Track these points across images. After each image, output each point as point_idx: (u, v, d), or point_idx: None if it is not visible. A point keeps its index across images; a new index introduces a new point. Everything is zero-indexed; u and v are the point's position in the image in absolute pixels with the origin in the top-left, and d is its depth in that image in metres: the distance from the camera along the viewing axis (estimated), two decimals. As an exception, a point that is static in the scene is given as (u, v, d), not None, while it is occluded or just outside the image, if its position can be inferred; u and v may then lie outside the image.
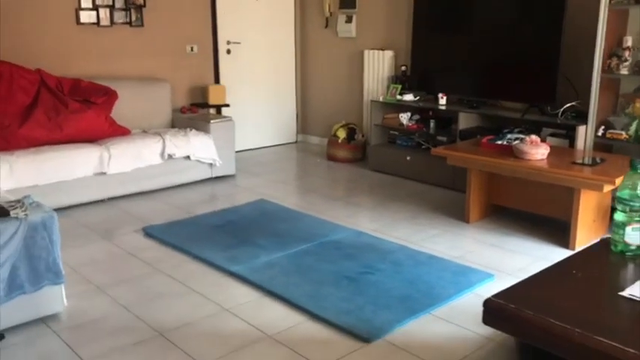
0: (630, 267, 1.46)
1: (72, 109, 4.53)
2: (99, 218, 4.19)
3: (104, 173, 4.44)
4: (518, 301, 1.17)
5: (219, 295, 3.00)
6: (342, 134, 5.86)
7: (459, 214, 4.19)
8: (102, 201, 4.52)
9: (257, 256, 3.43)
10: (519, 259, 3.46)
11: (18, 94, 4.38)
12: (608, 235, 1.59)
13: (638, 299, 1.22)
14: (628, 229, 1.50)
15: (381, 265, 3.31)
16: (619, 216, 1.51)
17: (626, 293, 1.25)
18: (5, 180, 3.93)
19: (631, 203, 1.49)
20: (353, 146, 5.85)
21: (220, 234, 3.82)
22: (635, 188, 1.48)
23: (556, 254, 3.49)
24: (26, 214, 2.58)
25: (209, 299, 2.95)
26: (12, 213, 2.55)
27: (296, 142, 6.88)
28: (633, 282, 1.29)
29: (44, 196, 4.05)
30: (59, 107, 4.50)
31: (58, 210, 4.17)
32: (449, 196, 4.67)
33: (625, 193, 1.48)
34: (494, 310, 1.16)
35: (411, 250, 3.54)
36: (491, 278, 3.16)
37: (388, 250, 3.53)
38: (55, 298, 2.73)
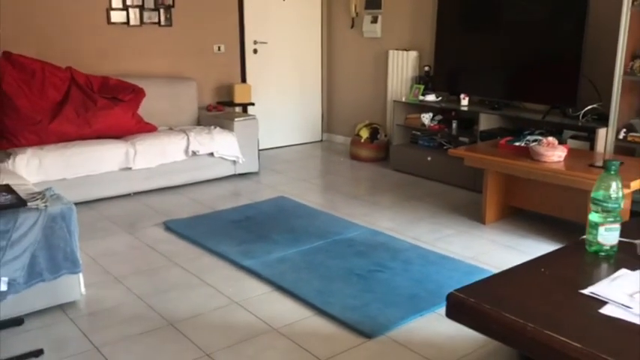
0: (601, 267, 1.47)
1: (100, 105, 4.69)
2: (123, 212, 4.33)
3: (130, 168, 4.58)
4: (479, 295, 1.20)
5: (231, 288, 3.08)
6: (365, 134, 5.90)
7: (476, 215, 4.19)
8: (127, 195, 4.67)
9: (270, 252, 3.51)
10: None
11: (49, 90, 4.56)
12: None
13: (598, 297, 1.23)
14: (601, 229, 1.51)
15: (392, 263, 3.35)
16: (593, 216, 1.52)
17: (587, 291, 1.27)
18: (35, 173, 4.10)
19: (604, 204, 1.50)
20: (376, 146, 5.88)
21: (237, 229, 3.91)
22: (608, 189, 1.49)
23: (570, 257, 3.46)
24: (46, 206, 2.71)
25: (220, 292, 3.04)
26: (33, 204, 2.68)
27: (321, 140, 6.94)
28: (599, 281, 1.30)
29: (71, 189, 4.24)
30: (88, 104, 4.66)
31: (84, 203, 4.38)
32: (468, 197, 4.67)
33: (599, 194, 1.49)
34: (456, 304, 1.20)
35: (423, 250, 3.57)
36: (502, 279, 3.15)
37: (400, 249, 3.56)
38: (73, 287, 2.86)
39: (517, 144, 3.98)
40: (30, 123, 4.40)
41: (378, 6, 6.05)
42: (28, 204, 2.65)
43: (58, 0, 4.91)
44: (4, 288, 2.61)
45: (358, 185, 5.17)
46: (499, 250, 3.61)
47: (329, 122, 6.92)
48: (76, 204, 4.26)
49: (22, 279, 2.66)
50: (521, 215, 4.18)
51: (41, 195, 2.79)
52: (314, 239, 3.71)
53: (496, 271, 3.23)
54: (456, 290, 1.23)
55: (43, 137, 4.42)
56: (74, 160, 4.31)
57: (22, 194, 2.81)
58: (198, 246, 3.66)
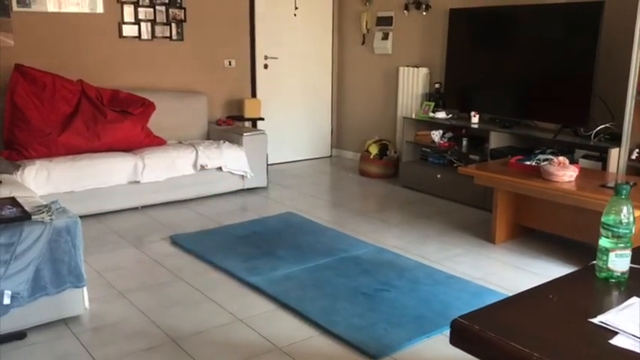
0: (611, 294, 1.43)
1: (110, 118, 4.71)
2: (130, 225, 4.32)
3: (138, 182, 4.58)
4: (484, 322, 1.16)
5: (235, 305, 3.05)
6: (374, 150, 5.88)
7: (485, 234, 4.14)
8: (135, 209, 4.66)
9: (276, 268, 3.48)
10: (543, 282, 3.37)
11: (60, 103, 4.58)
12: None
13: (608, 326, 1.19)
14: (612, 255, 1.47)
15: (398, 282, 3.30)
16: (603, 242, 1.48)
17: (596, 320, 1.22)
18: (43, 185, 4.11)
19: (615, 229, 1.45)
20: (385, 162, 5.86)
21: (244, 244, 3.88)
22: (619, 213, 1.45)
23: (581, 279, 3.40)
24: (51, 219, 2.70)
25: (224, 309, 3.01)
26: (38, 217, 2.67)
27: (330, 156, 6.93)
28: (609, 309, 1.26)
29: (79, 202, 4.25)
30: (98, 117, 4.68)
31: (91, 216, 4.38)
32: (478, 216, 4.62)
33: (609, 219, 1.45)
34: (460, 331, 1.16)
35: (430, 269, 3.52)
36: (510, 301, 3.10)
37: (408, 268, 3.52)
38: (77, 301, 2.84)
39: (528, 163, 3.94)
40: (40, 135, 4.42)
41: (389, 23, 6.06)
42: (33, 217, 2.64)
43: (71, 14, 4.95)
44: (7, 301, 2.60)
45: (366, 202, 5.14)
46: (508, 271, 3.55)
47: (338, 138, 6.91)
48: (84, 217, 4.32)
49: (26, 292, 2.65)
50: (531, 235, 4.12)
51: (47, 208, 2.79)
52: (320, 256, 3.67)
53: (505, 292, 3.18)
54: (460, 317, 1.19)
55: (53, 149, 4.43)
56: (83, 173, 4.32)
57: (27, 207, 2.80)
58: (204, 261, 3.64)
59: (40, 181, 4.11)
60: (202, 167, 4.87)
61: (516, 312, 1.27)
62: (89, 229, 4.18)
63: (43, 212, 2.73)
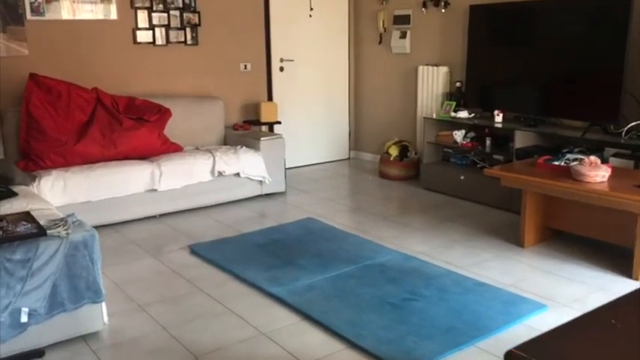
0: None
1: (126, 126, 4.64)
2: (148, 234, 4.25)
3: (155, 190, 4.51)
4: (541, 354, 1.05)
5: (258, 317, 2.95)
6: (394, 152, 5.75)
7: (513, 237, 4.00)
8: (153, 217, 4.59)
9: (298, 278, 3.37)
10: (576, 288, 3.24)
11: (75, 112, 4.52)
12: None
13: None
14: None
15: (426, 291, 3.18)
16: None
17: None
18: (59, 196, 4.05)
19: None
20: (405, 164, 5.73)
21: (264, 253, 3.78)
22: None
23: (617, 284, 3.26)
24: (68, 233, 2.62)
25: (247, 322, 2.91)
26: (54, 232, 2.59)
27: (349, 158, 6.81)
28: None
29: (96, 212, 4.19)
30: (114, 125, 4.61)
31: (109, 226, 4.32)
32: (504, 218, 4.47)
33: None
34: (515, 365, 1.05)
35: (459, 276, 3.39)
36: (544, 309, 2.97)
37: (435, 275, 3.39)
38: (96, 317, 2.76)
39: (556, 163, 3.79)
40: (56, 145, 4.36)
41: (407, 21, 5.92)
42: (49, 232, 2.56)
43: (85, 21, 4.89)
44: (24, 319, 2.53)
45: (388, 205, 5.01)
46: (540, 277, 3.41)
47: (357, 140, 6.79)
48: (101, 227, 4.26)
49: (43, 309, 2.57)
50: (561, 238, 3.97)
51: (63, 222, 2.71)
52: (343, 265, 3.56)
53: (539, 300, 3.05)
54: (515, 348, 1.08)
55: (69, 159, 4.37)
56: (99, 182, 4.25)
57: (43, 221, 2.73)
58: (224, 271, 3.54)
59: (56, 191, 4.05)
60: (220, 173, 4.78)
61: (574, 341, 1.15)
62: (107, 239, 4.12)
63: (60, 226, 2.65)
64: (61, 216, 2.89)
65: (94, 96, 4.67)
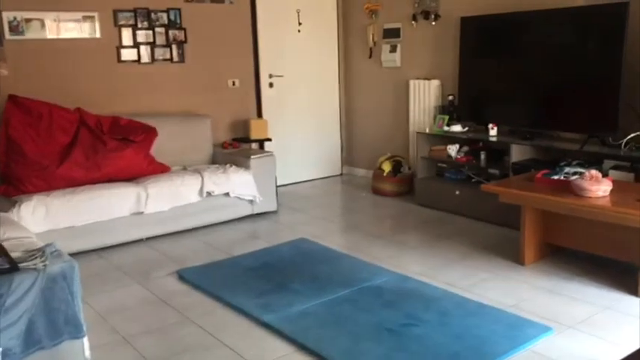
0: None
1: (110, 147, 4.48)
2: (135, 260, 4.08)
3: (141, 213, 4.35)
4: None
5: (250, 349, 2.79)
6: (387, 167, 5.63)
7: (512, 254, 3.87)
8: (140, 241, 4.42)
9: (292, 304, 3.22)
10: (581, 308, 3.11)
11: (57, 133, 4.37)
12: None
13: None
14: None
15: (426, 315, 3.03)
16: None
17: None
18: (41, 222, 3.88)
19: None
20: (399, 179, 5.60)
21: (255, 277, 3.63)
22: None
23: (623, 302, 3.13)
24: (45, 265, 2.46)
25: (239, 354, 2.75)
26: (30, 264, 2.43)
27: (341, 174, 6.68)
28: None
29: (80, 237, 4.04)
30: (98, 146, 4.46)
31: (93, 251, 4.16)
32: (502, 234, 4.35)
33: None
34: None
35: (459, 298, 3.25)
36: (550, 332, 2.83)
37: (434, 298, 3.25)
38: (76, 353, 2.58)
39: (555, 177, 3.68)
40: (37, 168, 4.20)
41: (397, 35, 5.83)
42: (23, 265, 2.40)
43: (67, 40, 4.75)
44: (-2, 359, 2.36)
45: (382, 223, 4.88)
46: (543, 296, 3.28)
47: (349, 155, 6.67)
48: (85, 252, 4.10)
49: (19, 348, 2.40)
50: (562, 254, 3.85)
51: (40, 252, 2.55)
52: (339, 288, 3.41)
53: (543, 322, 2.91)
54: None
55: (51, 183, 4.21)
56: (82, 207, 4.08)
57: (19, 251, 2.57)
58: (213, 298, 3.38)
59: (37, 217, 3.89)
60: (209, 194, 4.63)
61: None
62: (90, 265, 3.95)
63: (36, 257, 2.49)
64: (40, 245, 2.72)
65: (77, 117, 4.53)
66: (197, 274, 3.72)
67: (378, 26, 6.03)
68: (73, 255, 3.89)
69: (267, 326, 3.00)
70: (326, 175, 6.57)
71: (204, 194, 4.61)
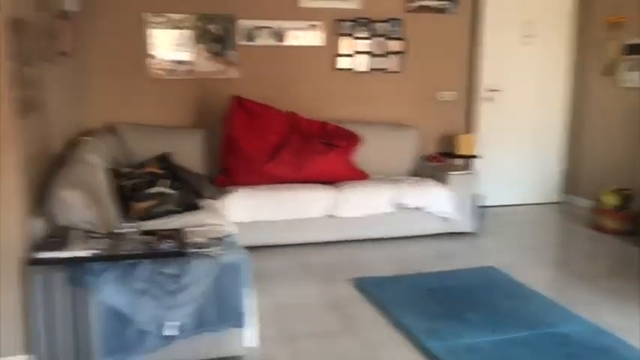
0: None
1: (316, 150, 4.68)
2: (319, 260, 4.20)
3: (334, 216, 4.46)
4: None
5: (403, 373, 2.67)
6: (612, 200, 4.94)
7: None
8: (328, 243, 4.53)
9: (461, 335, 2.99)
10: None
11: (269, 133, 4.70)
12: None
13: None
14: None
15: (615, 380, 2.57)
16: None
17: None
18: (243, 212, 4.20)
19: None
20: (624, 216, 4.88)
21: (431, 300, 3.46)
22: None
23: None
24: (220, 254, 2.65)
25: (389, 376, 2.64)
26: (207, 251, 2.64)
27: (558, 202, 6.06)
28: None
29: (275, 231, 4.32)
30: (305, 148, 4.68)
31: (284, 246, 4.37)
32: None
33: None
34: None
35: (665, 368, 2.70)
36: None
37: (632, 361, 2.75)
38: (239, 341, 2.74)
39: None
40: (249, 163, 4.57)
41: (641, 51, 5.09)
42: (201, 250, 2.61)
43: (291, 47, 5.10)
44: (172, 332, 2.59)
45: (591, 263, 4.29)
46: None
47: (570, 182, 6.01)
48: (277, 247, 4.34)
49: (190, 325, 2.62)
50: None
51: (219, 242, 2.75)
52: (517, 327, 3.08)
53: None
54: None
55: (259, 178, 4.54)
56: (282, 203, 4.34)
57: (203, 238, 2.80)
58: (383, 312, 3.31)
59: (241, 208, 4.22)
60: (403, 206, 4.56)
61: None
62: (279, 259, 4.18)
63: (214, 246, 2.70)
64: (222, 235, 2.95)
65: (289, 119, 4.82)
66: (374, 285, 3.68)
67: (618, 41, 5.32)
68: (262, 248, 4.21)
69: (428, 353, 2.83)
70: (540, 202, 6.01)
71: (398, 205, 4.56)
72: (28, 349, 2.56)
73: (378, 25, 5.27)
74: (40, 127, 3.02)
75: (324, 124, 4.93)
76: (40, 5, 3.18)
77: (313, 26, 5.15)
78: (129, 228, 2.82)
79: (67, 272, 2.47)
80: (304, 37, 5.15)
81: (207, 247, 2.67)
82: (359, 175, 4.81)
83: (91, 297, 2.47)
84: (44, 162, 3.06)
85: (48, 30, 3.41)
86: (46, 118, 3.19)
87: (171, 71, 4.94)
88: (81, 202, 2.72)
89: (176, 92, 4.97)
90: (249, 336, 2.77)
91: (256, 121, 4.72)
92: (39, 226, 2.66)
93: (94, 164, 3.26)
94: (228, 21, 4.94)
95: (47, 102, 3.25)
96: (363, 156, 4.93)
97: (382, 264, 4.14)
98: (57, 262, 2.45)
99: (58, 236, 2.60)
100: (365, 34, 5.26)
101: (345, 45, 5.24)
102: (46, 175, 2.95)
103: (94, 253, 2.48)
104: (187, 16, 4.87)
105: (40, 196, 2.76)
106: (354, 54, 5.27)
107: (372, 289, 3.62)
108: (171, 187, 3.67)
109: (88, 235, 2.66)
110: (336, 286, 3.73)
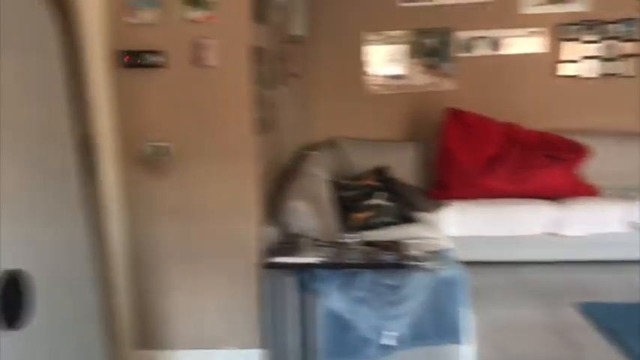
0: None
1: (537, 164, 4.43)
2: (539, 281, 3.97)
3: (556, 234, 4.18)
4: None
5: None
6: None
7: None
8: (549, 263, 4.24)
9: None
10: None
11: (485, 145, 4.57)
12: None
13: None
14: None
15: None
16: None
17: None
18: (456, 226, 4.14)
19: None
20: None
21: (675, 334, 3.06)
22: None
23: None
24: (438, 268, 2.65)
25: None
26: (424, 265, 2.66)
27: None
28: None
29: (489, 247, 4.18)
30: (524, 161, 4.46)
31: (500, 264, 4.20)
32: None
33: None
34: None
35: None
36: None
37: None
38: (456, 358, 2.70)
39: None
40: (464, 176, 4.49)
41: None
42: (418, 264, 2.64)
43: (510, 55, 4.91)
44: (390, 342, 2.66)
45: None
46: None
47: None
48: (492, 263, 4.19)
49: (407, 337, 2.66)
50: None
51: (436, 256, 2.76)
52: None
53: None
54: None
55: (475, 192, 4.43)
56: (497, 218, 4.19)
57: (420, 252, 2.83)
58: (615, 343, 3.01)
59: (454, 222, 4.16)
60: (637, 225, 4.10)
61: None
62: (494, 276, 4.04)
63: (432, 260, 2.71)
64: (440, 249, 2.94)
65: (506, 130, 4.64)
66: (603, 312, 3.37)
67: None
68: (476, 264, 4.09)
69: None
70: None
71: (632, 225, 4.10)
72: (262, 344, 2.83)
73: (610, 27, 4.83)
74: (274, 144, 3.33)
75: (544, 135, 4.64)
76: (274, 32, 3.52)
77: (533, 32, 4.90)
78: (351, 238, 2.96)
79: (296, 276, 2.68)
80: (523, 44, 4.92)
81: (424, 261, 2.69)
82: (586, 190, 4.44)
83: (317, 300, 2.65)
84: (275, 175, 3.37)
85: (280, 55, 3.75)
86: (279, 134, 3.52)
87: (385, 86, 5.09)
88: (309, 212, 2.93)
89: (391, 106, 5.10)
90: (467, 354, 2.73)
91: (472, 133, 4.63)
92: (272, 233, 2.93)
93: (319, 177, 3.50)
94: (445, 34, 4.94)
95: (280, 120, 3.58)
96: (591, 169, 4.52)
97: (612, 289, 3.77)
98: (288, 266, 2.68)
99: (289, 243, 2.83)
100: (593, 38, 4.85)
101: (569, 50, 4.89)
102: (276, 187, 3.24)
103: (321, 260, 2.65)
104: (404, 31, 4.98)
105: (272, 205, 3.04)
106: (580, 59, 4.89)
107: (602, 316, 3.32)
108: (387, 199, 3.77)
109: (315, 242, 2.86)
110: (558, 309, 3.49)
